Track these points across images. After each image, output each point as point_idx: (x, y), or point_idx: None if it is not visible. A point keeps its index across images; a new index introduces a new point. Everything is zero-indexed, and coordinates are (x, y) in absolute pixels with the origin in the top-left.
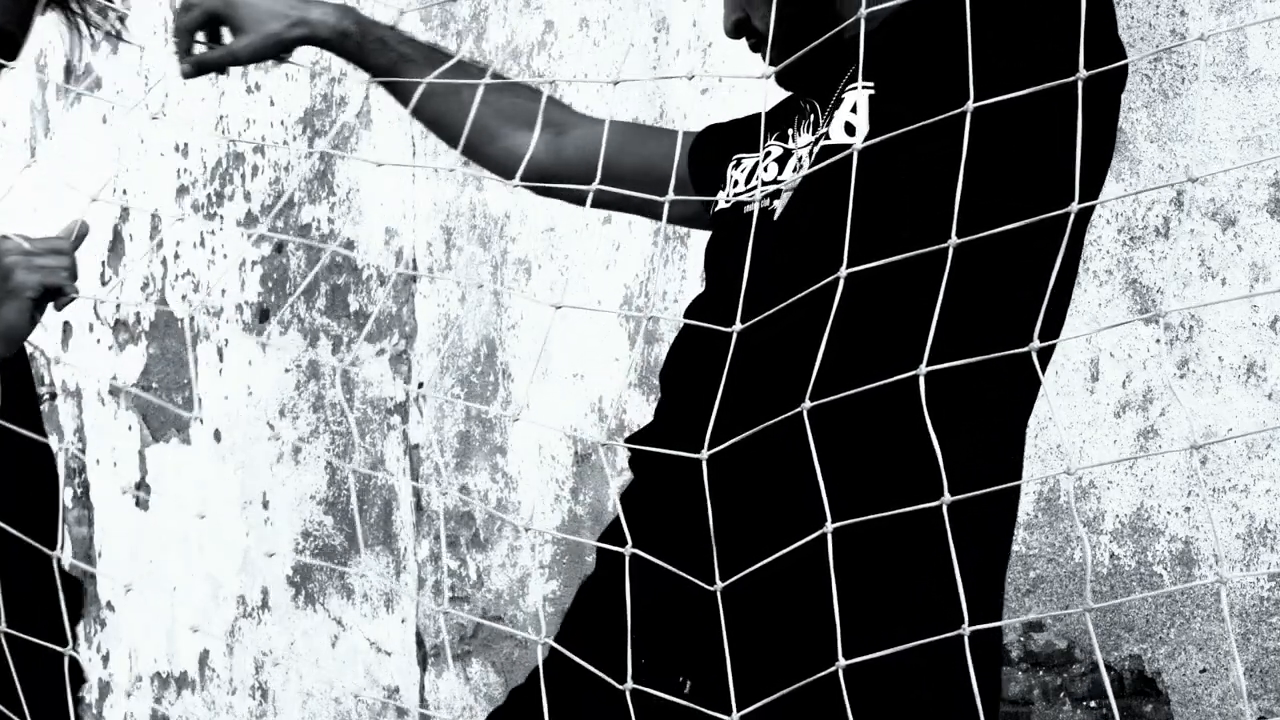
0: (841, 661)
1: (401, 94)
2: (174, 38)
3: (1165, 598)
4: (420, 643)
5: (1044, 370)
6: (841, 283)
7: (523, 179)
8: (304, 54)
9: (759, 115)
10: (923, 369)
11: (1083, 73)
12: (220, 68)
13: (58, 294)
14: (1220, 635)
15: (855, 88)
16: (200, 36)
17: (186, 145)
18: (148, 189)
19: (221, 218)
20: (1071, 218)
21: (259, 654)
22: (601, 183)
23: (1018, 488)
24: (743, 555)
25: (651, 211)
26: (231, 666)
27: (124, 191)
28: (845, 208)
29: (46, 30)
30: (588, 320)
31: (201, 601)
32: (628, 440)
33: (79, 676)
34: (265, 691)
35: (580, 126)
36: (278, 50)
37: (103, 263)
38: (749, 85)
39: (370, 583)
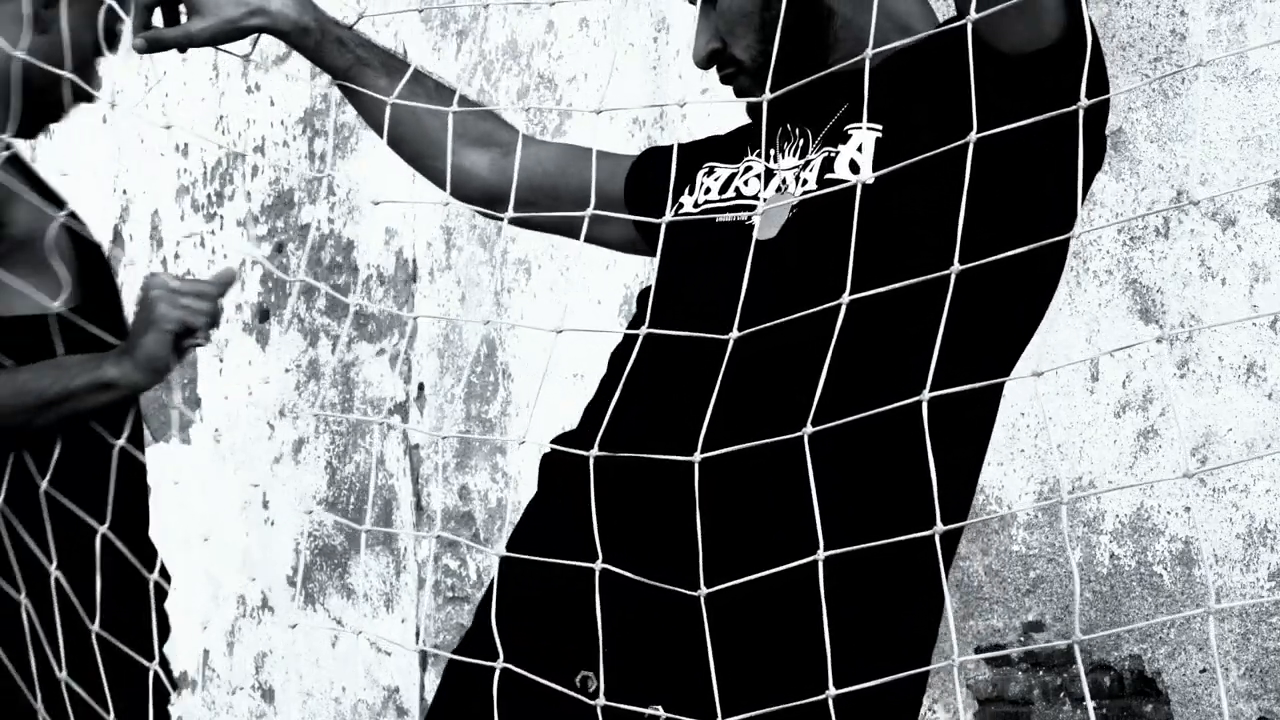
0: (832, 690)
1: (358, 100)
2: (131, 13)
3: (1165, 598)
4: (426, 644)
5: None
6: (843, 310)
7: (466, 198)
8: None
9: (717, 137)
10: (926, 395)
11: (1084, 101)
12: (176, 47)
13: (191, 334)
14: (1220, 635)
15: (860, 127)
16: (158, 15)
17: (186, 145)
18: (148, 189)
19: (222, 217)
20: (1071, 243)
21: (259, 652)
22: (541, 203)
23: (966, 503)
24: (718, 570)
25: (584, 233)
26: (231, 666)
27: (124, 191)
28: (848, 242)
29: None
30: (588, 320)
31: (201, 601)
32: (555, 440)
33: (165, 690)
34: (265, 691)
35: (527, 147)
36: (233, 36)
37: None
38: None
39: (370, 583)
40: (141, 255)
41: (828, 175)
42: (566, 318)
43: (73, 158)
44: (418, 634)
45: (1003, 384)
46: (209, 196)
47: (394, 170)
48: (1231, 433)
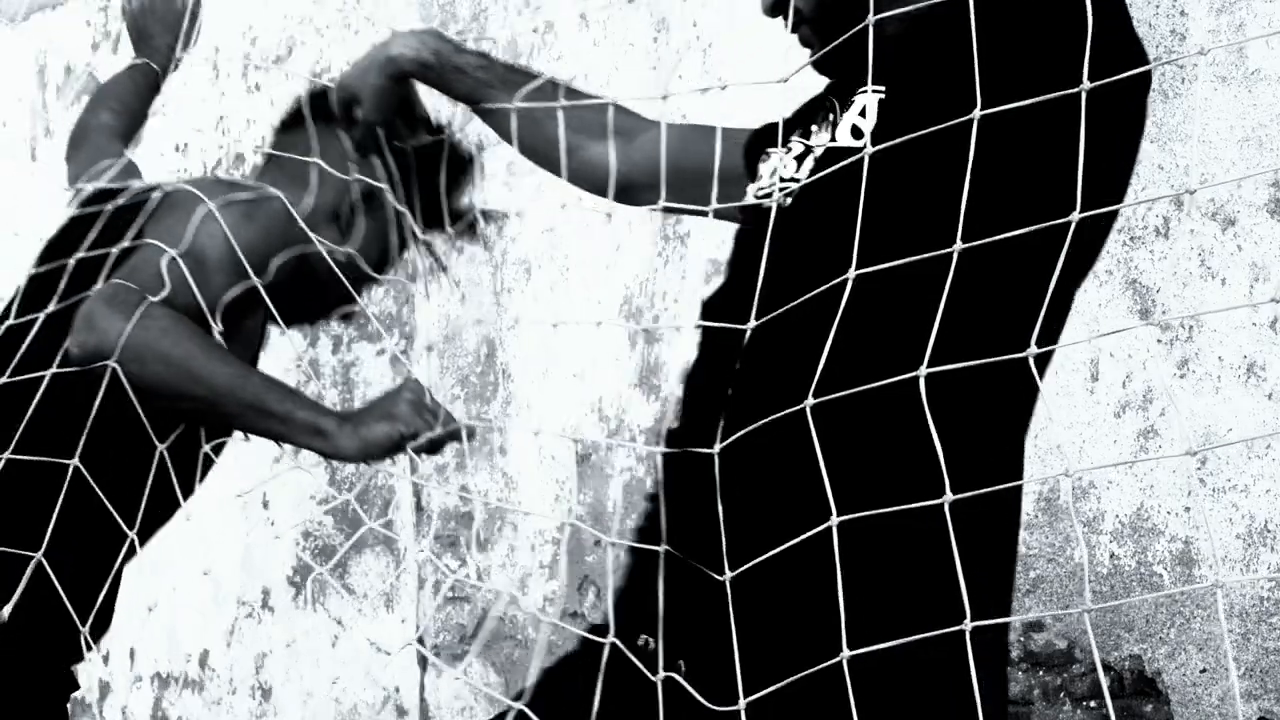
0: (846, 652)
1: (487, 119)
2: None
3: (1165, 598)
4: (420, 642)
5: (1042, 375)
6: (850, 283)
7: (599, 191)
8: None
9: (799, 113)
10: (923, 370)
11: (1086, 84)
12: (367, 144)
13: (403, 445)
14: (1220, 635)
15: (866, 90)
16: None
17: (186, 145)
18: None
19: None
20: (1073, 226)
21: (259, 652)
22: (668, 184)
23: (1019, 491)
24: (752, 549)
25: (728, 214)
26: (231, 666)
27: None
28: (847, 211)
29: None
30: (588, 320)
31: (201, 601)
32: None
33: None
34: (265, 691)
35: (648, 131)
36: (390, 97)
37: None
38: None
39: (370, 583)
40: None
41: (829, 145)
42: (567, 318)
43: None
44: (418, 633)
45: (1012, 366)
46: None
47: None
48: (1231, 432)
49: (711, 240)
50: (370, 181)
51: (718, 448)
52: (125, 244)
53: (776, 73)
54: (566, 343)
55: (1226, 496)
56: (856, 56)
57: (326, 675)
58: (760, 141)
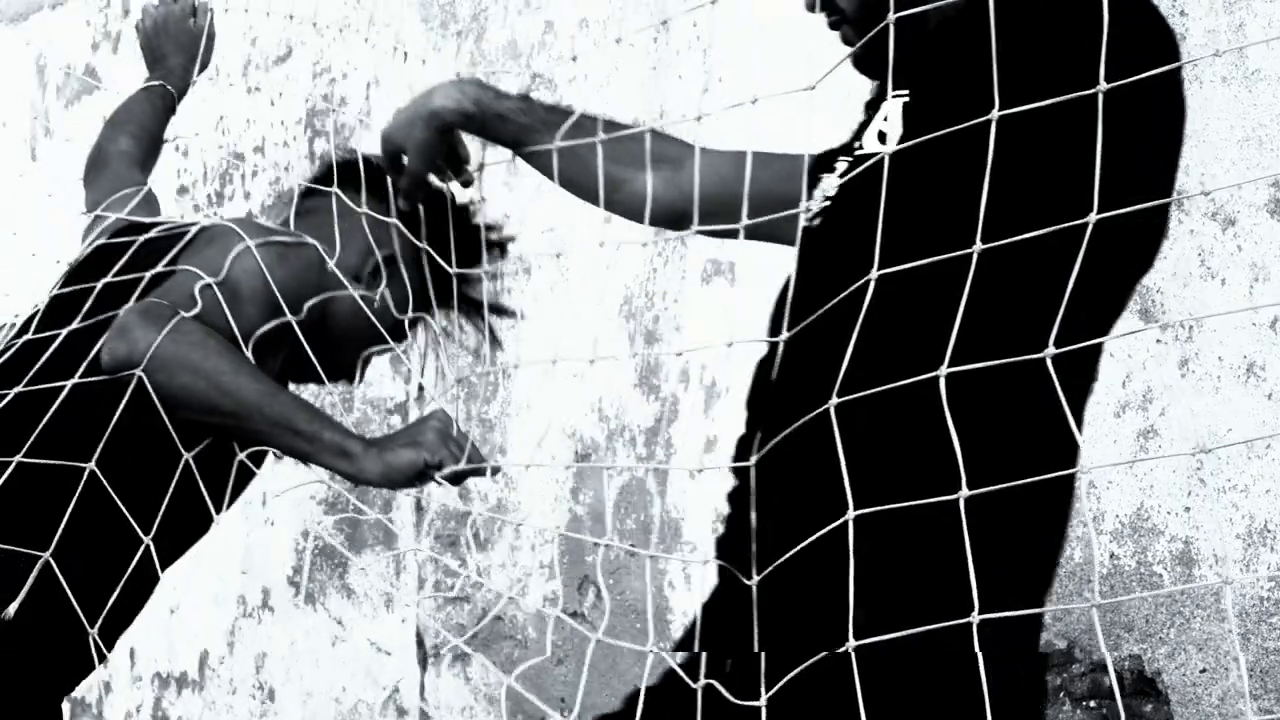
0: (851, 642)
1: (537, 163)
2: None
3: (1165, 598)
4: (420, 643)
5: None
6: (872, 285)
7: (651, 220)
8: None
9: (854, 131)
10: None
11: (1103, 85)
12: (414, 192)
13: (427, 474)
14: (1220, 635)
15: (893, 96)
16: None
17: (186, 145)
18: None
19: (222, 218)
20: (1090, 227)
21: (259, 652)
22: (724, 211)
23: (1066, 498)
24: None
25: (776, 236)
26: (232, 666)
27: None
28: (873, 216)
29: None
30: (588, 320)
31: (201, 601)
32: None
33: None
34: (265, 691)
35: (701, 158)
36: (435, 148)
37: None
38: (751, 85)
39: (370, 583)
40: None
41: (857, 152)
42: (567, 318)
43: (73, 158)
44: (418, 634)
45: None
46: (209, 196)
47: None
48: (1231, 433)
49: (711, 241)
50: (412, 239)
51: (754, 459)
52: (159, 269)
53: (774, 73)
54: (566, 343)
55: (1226, 496)
56: (888, 61)
57: (326, 675)
58: (819, 166)
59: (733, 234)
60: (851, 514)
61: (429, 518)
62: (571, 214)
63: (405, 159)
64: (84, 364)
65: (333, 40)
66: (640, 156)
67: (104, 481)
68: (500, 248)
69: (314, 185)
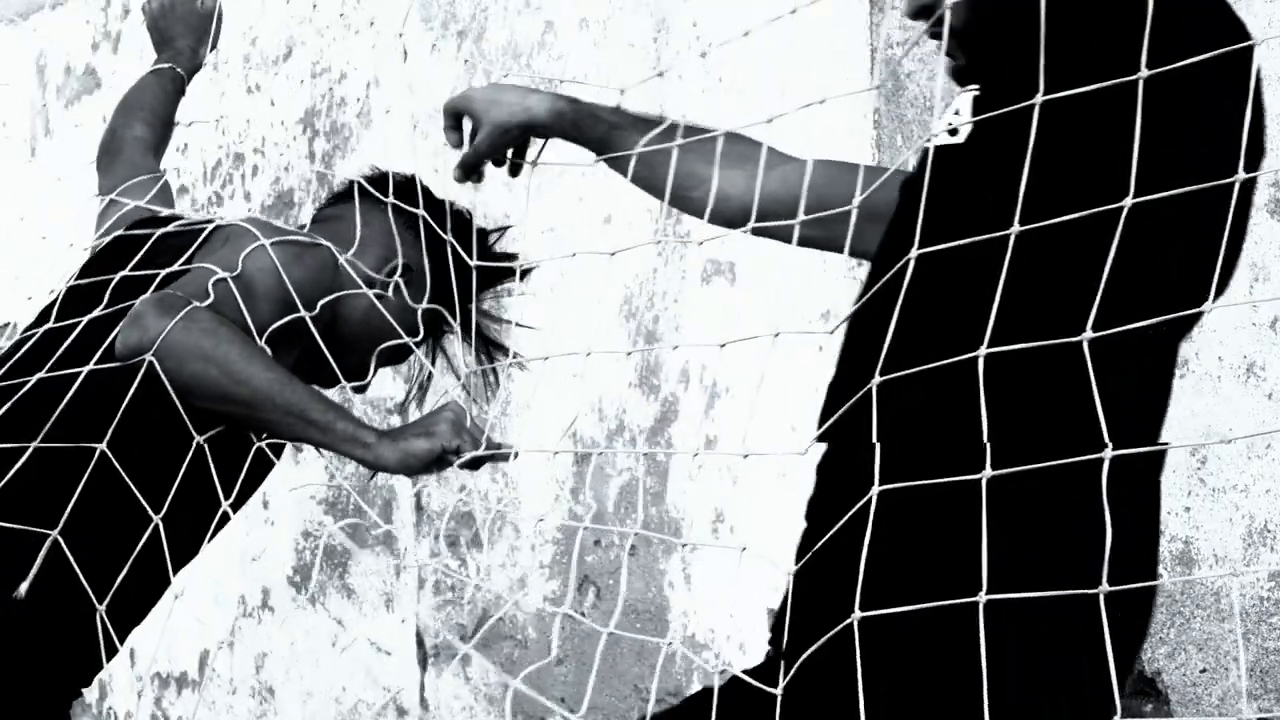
0: (856, 613)
1: (617, 164)
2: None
3: (1165, 598)
4: (420, 643)
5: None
6: (911, 265)
7: (726, 221)
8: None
9: None
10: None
11: (1144, 71)
12: (474, 164)
13: (446, 462)
14: (1220, 635)
15: (965, 90)
16: (453, 137)
17: (186, 145)
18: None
19: (222, 218)
20: (1121, 214)
21: (259, 652)
22: (808, 217)
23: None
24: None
25: (858, 248)
26: (232, 666)
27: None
28: (941, 206)
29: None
30: (588, 320)
31: (202, 602)
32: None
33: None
34: (265, 691)
35: (784, 163)
36: (508, 139)
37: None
38: (749, 84)
39: (370, 583)
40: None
41: (925, 145)
42: (567, 318)
43: (73, 158)
44: (418, 634)
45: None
46: (209, 197)
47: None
48: (1231, 432)
49: (712, 240)
50: (440, 231)
51: (804, 445)
52: (175, 269)
53: (776, 71)
54: (566, 343)
55: (1226, 496)
56: (990, 71)
57: (326, 675)
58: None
59: (786, 237)
60: (875, 489)
61: (440, 522)
62: (572, 214)
63: (474, 130)
64: (99, 354)
65: (333, 40)
66: (724, 156)
67: (115, 464)
68: (523, 275)
69: (337, 197)
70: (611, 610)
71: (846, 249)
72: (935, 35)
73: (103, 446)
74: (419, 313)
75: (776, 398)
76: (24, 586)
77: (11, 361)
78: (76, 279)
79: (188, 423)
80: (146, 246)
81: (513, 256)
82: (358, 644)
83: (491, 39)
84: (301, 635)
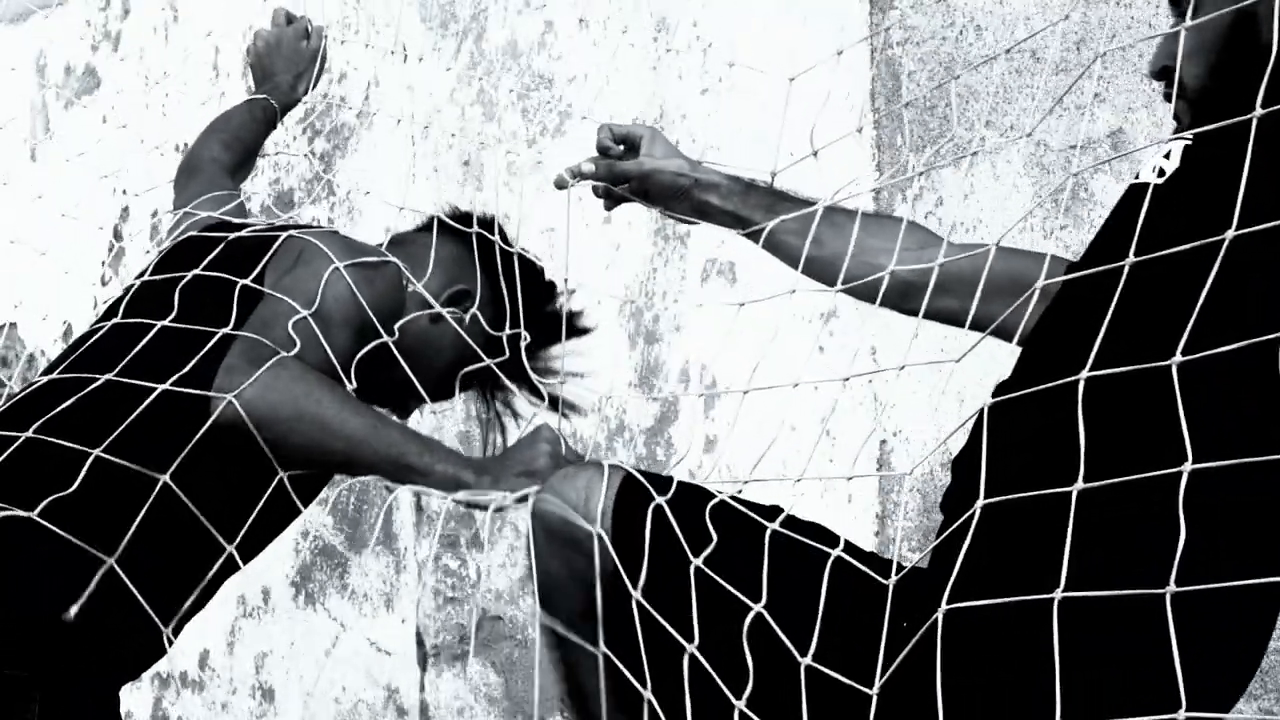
0: (943, 606)
1: (761, 237)
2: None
3: None
4: (420, 643)
5: None
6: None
7: (885, 299)
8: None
9: None
10: (1176, 358)
11: (1258, 110)
12: (612, 201)
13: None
14: None
15: (1177, 138)
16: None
17: (186, 145)
18: (148, 189)
19: None
20: None
21: (259, 652)
22: (971, 295)
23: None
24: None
25: (1004, 329)
26: (231, 666)
27: (124, 191)
28: (1145, 244)
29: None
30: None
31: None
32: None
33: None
34: (265, 691)
35: (940, 245)
36: (669, 189)
37: (103, 263)
38: (748, 85)
39: (370, 583)
40: (141, 256)
41: (1133, 181)
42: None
43: (73, 158)
44: (418, 634)
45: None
46: None
47: (393, 170)
48: None
49: (711, 240)
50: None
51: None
52: (248, 282)
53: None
54: (565, 343)
55: None
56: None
57: (326, 675)
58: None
59: (959, 320)
60: (980, 502)
61: (436, 522)
62: (572, 214)
63: (632, 157)
64: (173, 358)
65: (333, 40)
66: (887, 235)
67: (180, 494)
68: (580, 332)
69: (420, 228)
70: None
71: (1018, 334)
72: (1168, 97)
73: (165, 479)
74: (465, 356)
75: (777, 397)
76: (73, 610)
77: (79, 354)
78: (150, 276)
79: (271, 457)
80: (219, 248)
81: (577, 315)
82: (358, 644)
83: (491, 39)
84: (301, 635)
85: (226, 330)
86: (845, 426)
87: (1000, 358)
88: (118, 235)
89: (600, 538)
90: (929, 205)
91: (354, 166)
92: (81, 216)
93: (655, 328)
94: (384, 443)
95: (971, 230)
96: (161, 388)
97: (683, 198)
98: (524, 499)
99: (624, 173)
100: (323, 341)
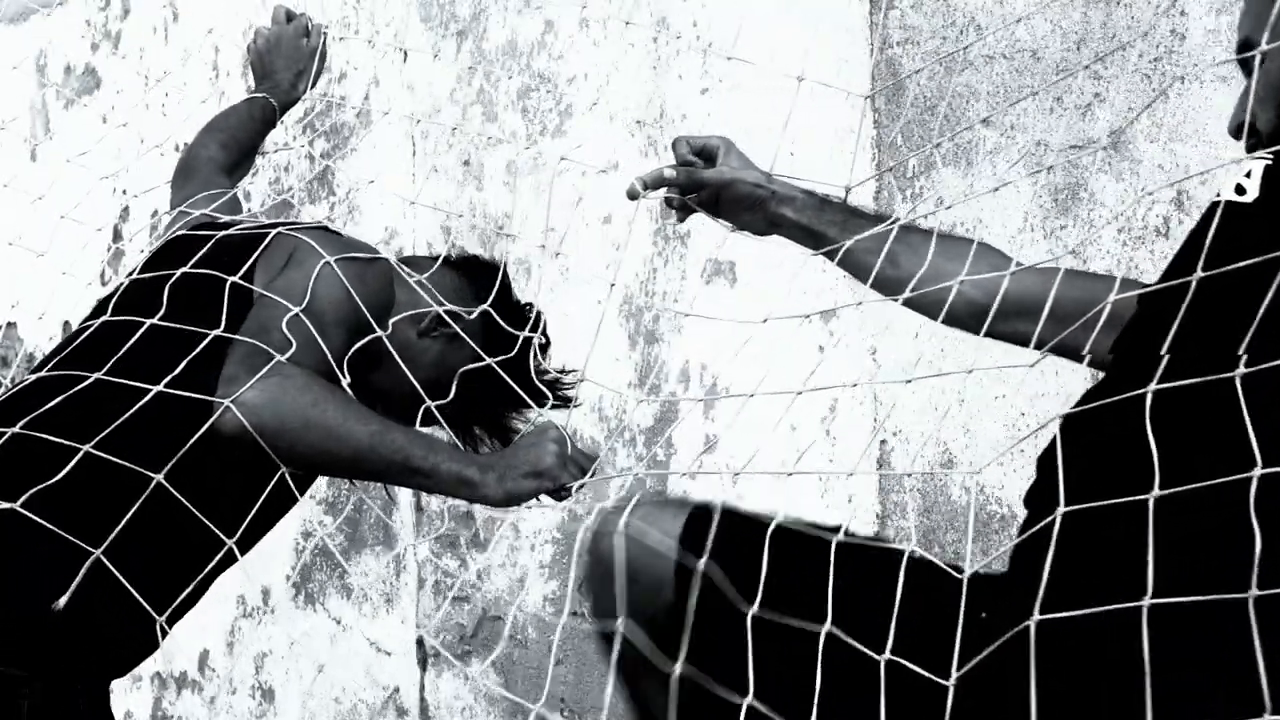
0: (1035, 616)
1: (838, 255)
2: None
3: None
4: (420, 643)
5: None
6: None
7: (952, 318)
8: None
9: None
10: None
11: None
12: (684, 211)
13: (556, 493)
14: None
15: (1257, 156)
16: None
17: (186, 144)
18: (148, 189)
19: None
20: None
21: (259, 652)
22: (1041, 320)
23: None
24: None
25: (1074, 352)
26: (231, 666)
27: (124, 191)
28: (1222, 262)
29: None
30: (588, 320)
31: (202, 601)
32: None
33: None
34: (265, 691)
35: (1012, 266)
36: (744, 201)
37: (103, 263)
38: (749, 84)
39: (370, 583)
40: (140, 255)
41: (1214, 199)
42: (567, 318)
43: (73, 158)
44: (418, 639)
45: None
46: None
47: (393, 170)
48: None
49: (711, 240)
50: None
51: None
52: (238, 279)
53: (775, 71)
54: (566, 342)
55: None
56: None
57: (326, 675)
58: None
59: (1024, 342)
60: (1060, 510)
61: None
62: (572, 214)
63: (709, 161)
64: (166, 356)
65: (333, 40)
66: (946, 256)
67: (174, 492)
68: (564, 400)
69: (430, 258)
70: None
71: (1086, 357)
72: (1252, 149)
73: (159, 478)
74: (450, 379)
75: (777, 398)
76: (63, 600)
77: (70, 351)
78: (138, 274)
79: (273, 455)
80: (208, 245)
81: (564, 384)
82: (358, 644)
83: (491, 39)
84: (301, 635)
85: (219, 332)
86: (845, 426)
87: (999, 358)
88: (118, 235)
89: (704, 574)
90: (929, 205)
91: (354, 167)
92: (81, 216)
93: (655, 328)
94: (389, 448)
95: (972, 230)
96: (155, 389)
97: (757, 209)
98: (564, 493)
99: (704, 180)
100: (320, 343)
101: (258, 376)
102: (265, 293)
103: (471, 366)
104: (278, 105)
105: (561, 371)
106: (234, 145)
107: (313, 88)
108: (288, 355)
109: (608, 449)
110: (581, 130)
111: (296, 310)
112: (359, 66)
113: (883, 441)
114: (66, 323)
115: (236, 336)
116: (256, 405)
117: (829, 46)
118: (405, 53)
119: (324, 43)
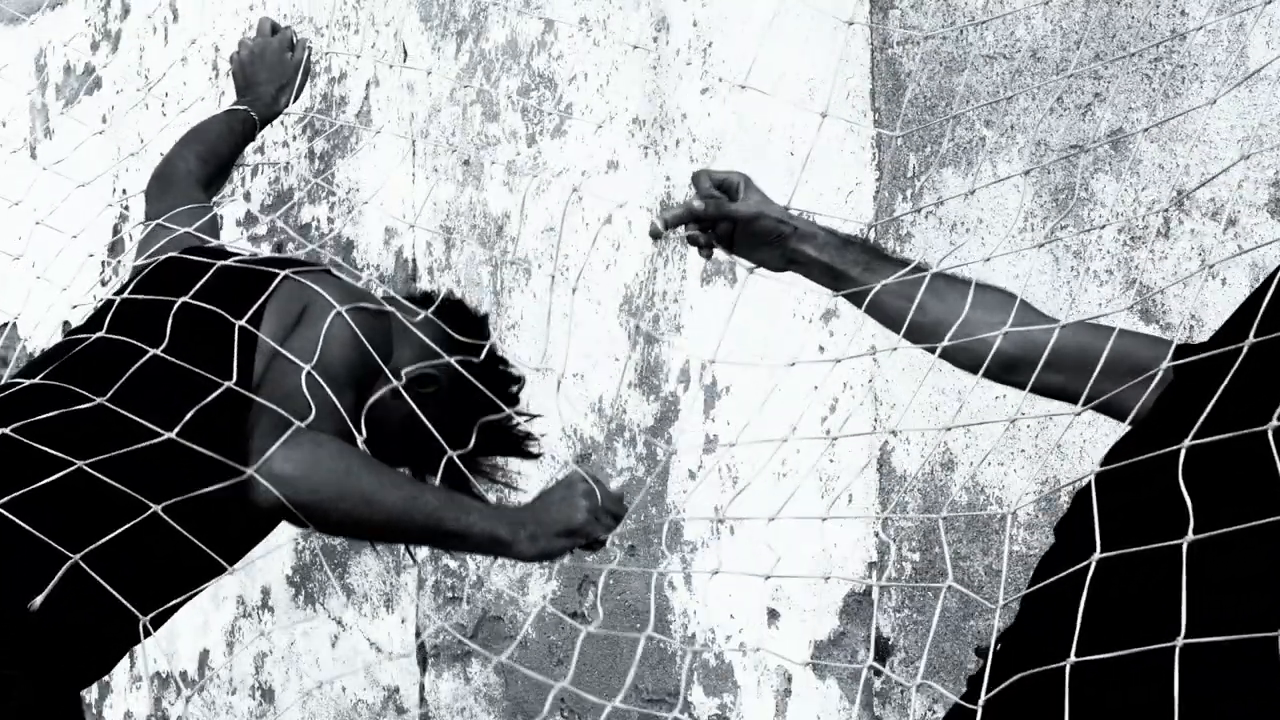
0: (1071, 658)
1: (860, 298)
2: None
3: None
4: (420, 641)
5: None
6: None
7: (985, 369)
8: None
9: None
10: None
11: None
12: (703, 245)
13: (590, 546)
14: None
15: None
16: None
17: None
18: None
19: (221, 217)
20: None
21: (259, 652)
22: (1075, 370)
23: None
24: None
25: (1115, 407)
26: (231, 666)
27: (124, 191)
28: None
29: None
30: (588, 320)
31: (201, 601)
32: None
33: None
34: (265, 691)
35: (1044, 319)
36: (764, 235)
37: (103, 263)
38: (749, 84)
39: (370, 583)
40: (129, 268)
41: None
42: (566, 318)
43: (73, 158)
44: (418, 634)
45: None
46: None
47: (393, 170)
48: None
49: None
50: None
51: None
52: (245, 323)
53: (774, 73)
54: (566, 343)
55: None
56: None
57: (326, 675)
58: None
59: (1070, 398)
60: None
61: None
62: (571, 214)
63: (730, 196)
64: (169, 388)
65: (333, 40)
66: (995, 304)
67: (172, 523)
68: (529, 456)
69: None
70: (611, 610)
71: (1130, 414)
72: None
73: (158, 509)
74: (423, 432)
75: (777, 398)
76: (37, 601)
77: (61, 361)
78: (130, 293)
79: (308, 525)
80: (209, 275)
81: (530, 439)
82: (358, 644)
83: (491, 39)
84: (301, 635)
85: (231, 384)
86: (845, 426)
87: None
88: (117, 235)
89: None
90: (929, 206)
91: (354, 166)
92: (81, 217)
93: (655, 328)
94: (422, 513)
95: (972, 230)
96: (167, 435)
97: (776, 245)
98: (598, 545)
99: (731, 213)
100: (335, 400)
101: (293, 445)
102: (283, 351)
103: (491, 418)
104: (258, 118)
105: (527, 418)
106: (212, 158)
107: (294, 102)
108: (307, 421)
109: (607, 449)
110: (580, 130)
111: (317, 376)
112: (359, 67)
113: (883, 441)
114: (66, 323)
115: (259, 399)
116: (293, 478)
117: (829, 47)
118: (405, 52)
119: (308, 57)
